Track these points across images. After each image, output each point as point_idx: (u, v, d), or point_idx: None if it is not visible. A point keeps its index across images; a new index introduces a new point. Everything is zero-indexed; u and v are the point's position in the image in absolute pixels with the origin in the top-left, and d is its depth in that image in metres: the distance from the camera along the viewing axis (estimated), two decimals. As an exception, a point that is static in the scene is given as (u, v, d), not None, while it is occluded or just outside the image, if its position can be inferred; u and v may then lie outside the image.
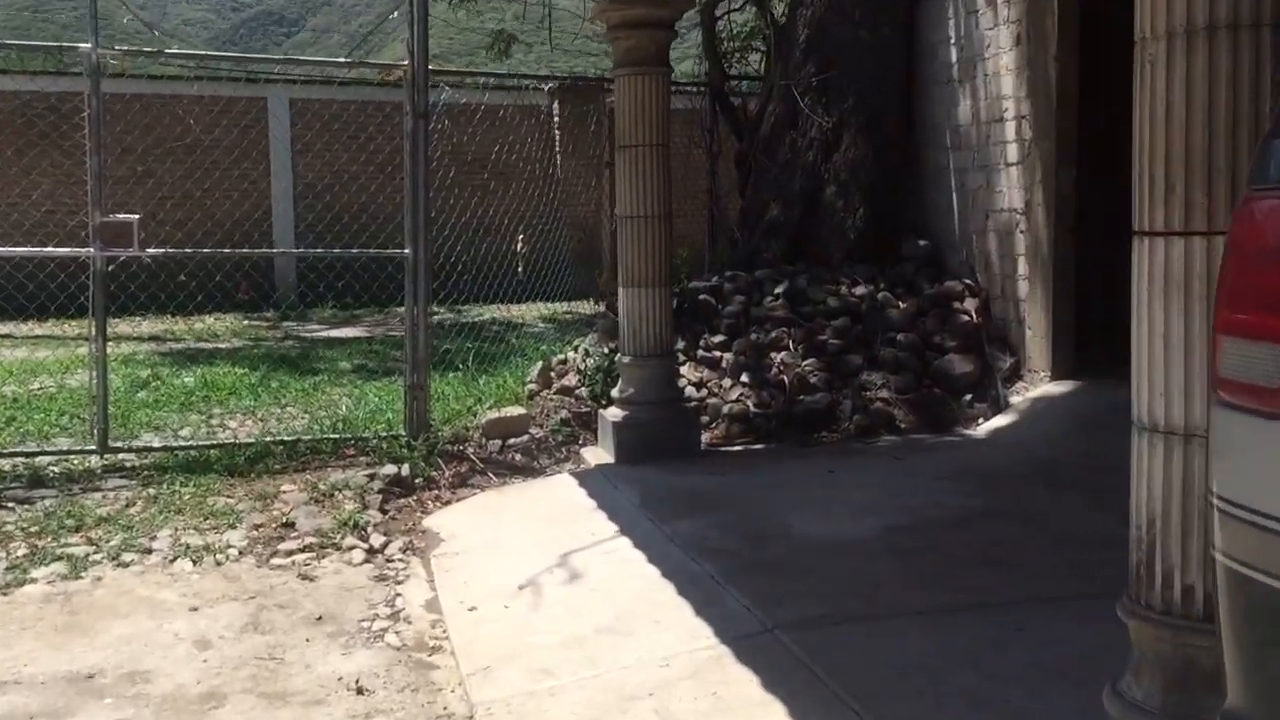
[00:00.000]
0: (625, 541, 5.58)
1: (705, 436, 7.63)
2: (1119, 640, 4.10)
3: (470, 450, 7.34)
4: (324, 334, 13.74)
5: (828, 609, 4.51)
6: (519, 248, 12.20)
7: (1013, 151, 8.42)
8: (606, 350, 8.30)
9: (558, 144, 15.60)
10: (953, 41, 9.13)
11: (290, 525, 6.05)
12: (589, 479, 6.86)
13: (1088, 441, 7.27)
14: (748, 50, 11.17)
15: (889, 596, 4.65)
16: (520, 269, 11.79)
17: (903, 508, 5.93)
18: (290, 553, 5.73)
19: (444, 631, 4.80)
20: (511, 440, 7.51)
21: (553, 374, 8.65)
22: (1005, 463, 6.95)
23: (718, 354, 8.46)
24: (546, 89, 15.94)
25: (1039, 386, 8.12)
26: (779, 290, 8.90)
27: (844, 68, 9.43)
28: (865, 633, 4.28)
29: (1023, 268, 8.35)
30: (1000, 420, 7.90)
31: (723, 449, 7.58)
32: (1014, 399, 8.13)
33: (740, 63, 11.28)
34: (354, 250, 10.02)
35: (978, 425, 7.97)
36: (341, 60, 9.74)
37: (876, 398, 8.08)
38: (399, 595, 5.23)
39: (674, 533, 5.63)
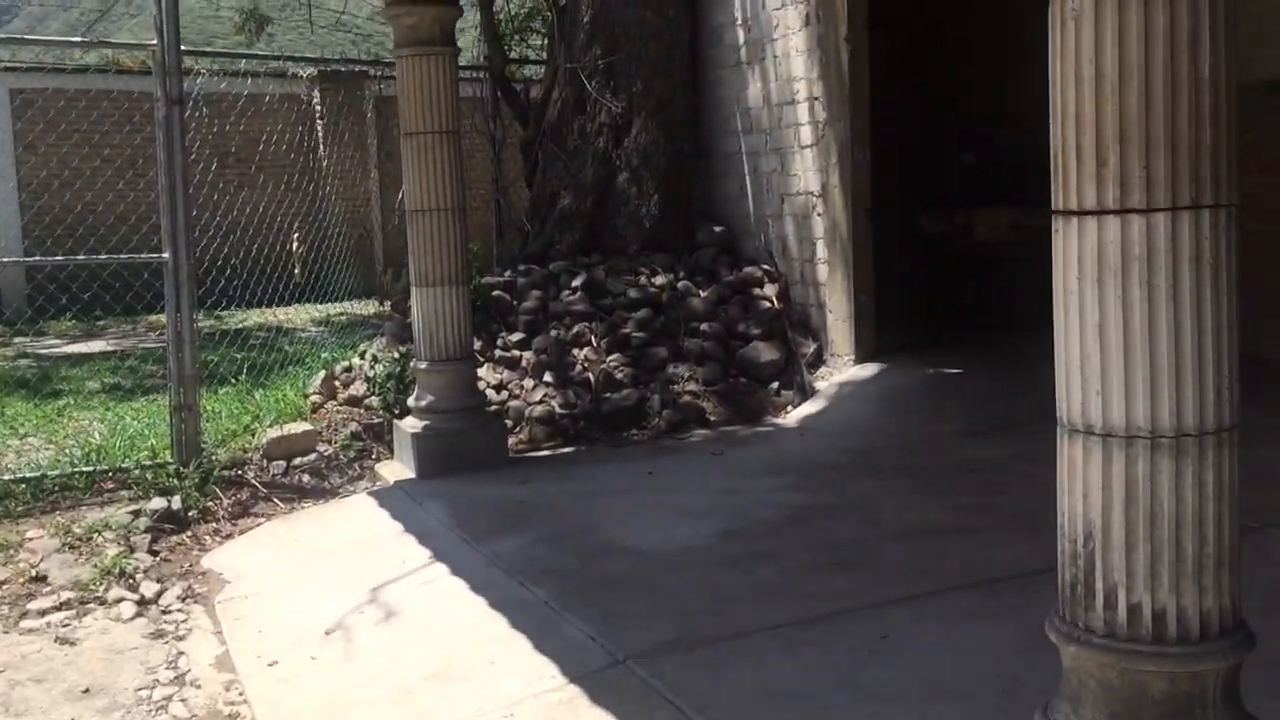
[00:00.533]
0: (442, 568, 5.04)
1: (510, 442, 7.14)
2: (990, 644, 3.91)
3: (251, 474, 6.60)
4: (65, 350, 12.38)
5: (678, 632, 4.13)
6: (294, 247, 11.31)
7: (806, 134, 8.30)
8: (397, 355, 7.67)
9: (320, 134, 14.63)
10: (740, 23, 8.94)
11: (41, 579, 5.20)
12: (390, 498, 6.26)
13: (900, 424, 7.21)
14: (528, 32, 10.68)
15: (740, 612, 4.31)
16: (297, 270, 10.91)
17: (733, 509, 5.63)
18: (43, 612, 4.91)
19: (241, 694, 4.15)
20: (297, 460, 6.80)
21: (337, 383, 7.95)
22: (824, 452, 6.78)
23: (517, 353, 7.97)
24: (305, 75, 14.91)
25: (844, 370, 8.03)
26: (577, 283, 8.48)
27: (630, 51, 9.08)
28: (723, 656, 3.92)
29: (822, 251, 8.25)
30: (809, 407, 7.76)
31: (531, 455, 7.11)
32: (820, 384, 8.02)
33: (521, 45, 10.78)
34: (101, 256, 8.93)
35: (787, 413, 7.80)
36: (76, 40, 8.65)
37: (685, 391, 7.79)
38: (182, 654, 4.52)
39: (495, 554, 5.14)
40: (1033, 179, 9.80)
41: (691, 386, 7.83)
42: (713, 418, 7.67)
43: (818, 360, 8.26)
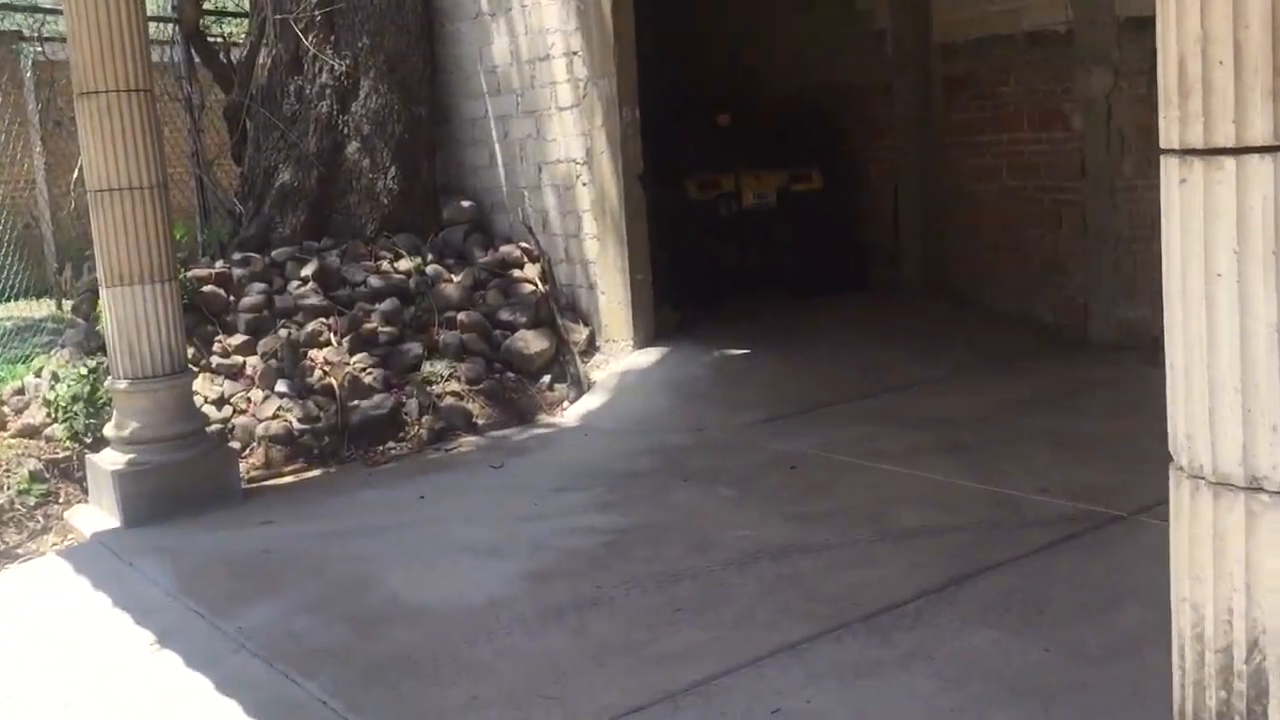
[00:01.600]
0: (172, 659, 3.81)
1: (242, 469, 5.86)
2: (907, 706, 3.15)
3: (-110, 541, 5.04)
4: None
5: (513, 732, 3.15)
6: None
7: (565, 93, 7.37)
8: (85, 370, 6.19)
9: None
10: (479, -32, 7.88)
11: None
12: (90, 558, 4.90)
13: (694, 417, 6.45)
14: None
15: (585, 691, 3.38)
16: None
17: (536, 540, 4.67)
18: None
19: None
20: (-43, 516, 5.27)
21: (6, 410, 6.36)
22: (619, 456, 5.91)
23: (240, 359, 6.64)
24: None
25: (623, 358, 7.20)
26: (307, 272, 7.21)
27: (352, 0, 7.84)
28: (581, 764, 2.98)
29: (589, 225, 7.36)
30: (589, 401, 6.88)
31: (270, 484, 5.87)
32: (597, 375, 7.15)
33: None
34: None
35: (564, 410, 6.90)
36: None
37: (446, 392, 6.73)
38: None
39: (244, 630, 3.96)
40: (795, 138, 9.40)
41: (453, 386, 6.77)
42: (481, 421, 6.65)
43: (592, 347, 7.39)
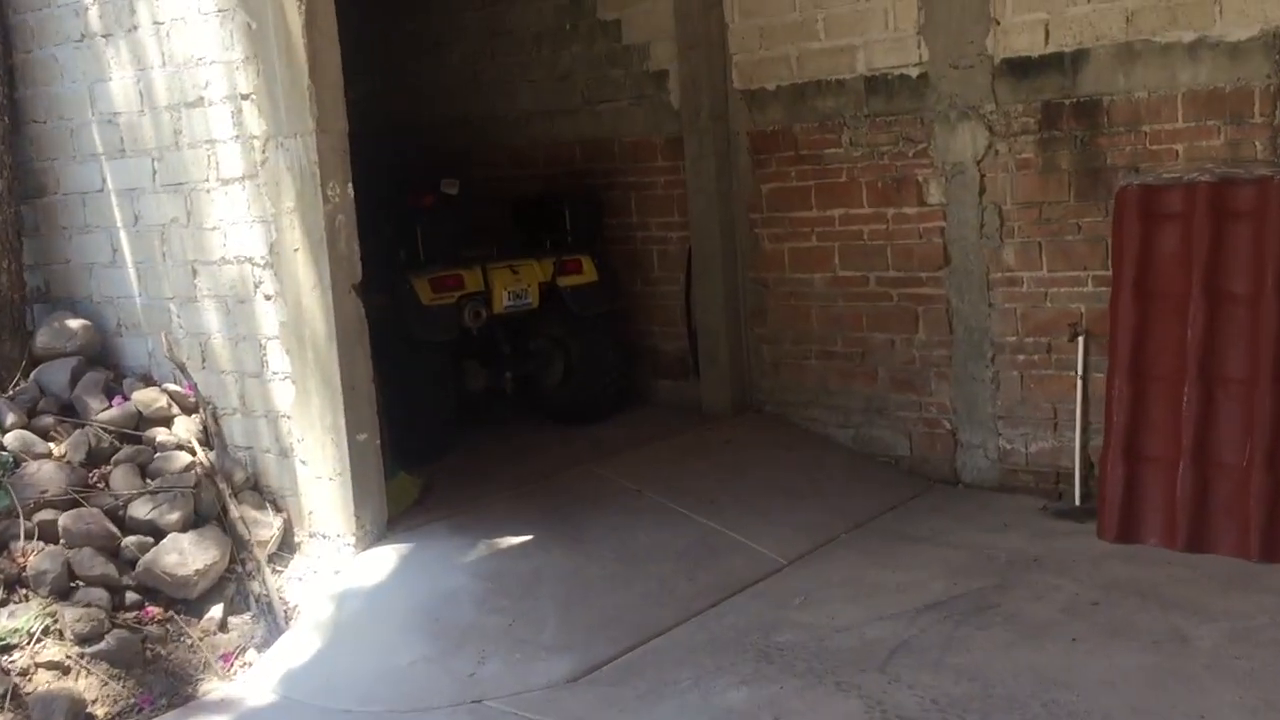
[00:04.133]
0: None
1: None
2: None
3: None
4: None
5: None
6: None
7: (232, 158, 4.78)
8: None
9: None
10: (84, -34, 5.14)
11: None
12: None
13: (464, 680, 4.04)
14: None
15: None
16: None
17: None
18: None
19: None
20: None
21: None
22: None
23: None
24: None
25: (341, 565, 4.64)
26: None
27: None
28: None
29: (278, 359, 4.78)
30: (289, 651, 4.29)
31: None
32: (300, 597, 4.57)
33: None
34: None
35: (246, 668, 4.27)
36: None
37: (38, 664, 3.95)
38: None
39: None
40: (555, 213, 6.97)
41: (52, 652, 4.00)
42: (102, 713, 3.92)
43: (289, 548, 4.79)
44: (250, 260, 4.78)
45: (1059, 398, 5.49)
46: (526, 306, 6.18)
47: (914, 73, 5.72)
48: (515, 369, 6.31)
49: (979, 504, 5.59)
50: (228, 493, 4.69)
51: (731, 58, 6.34)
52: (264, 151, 4.62)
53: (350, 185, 4.58)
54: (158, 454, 4.77)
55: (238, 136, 4.72)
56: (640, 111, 6.74)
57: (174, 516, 4.50)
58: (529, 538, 4.89)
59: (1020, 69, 5.38)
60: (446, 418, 5.83)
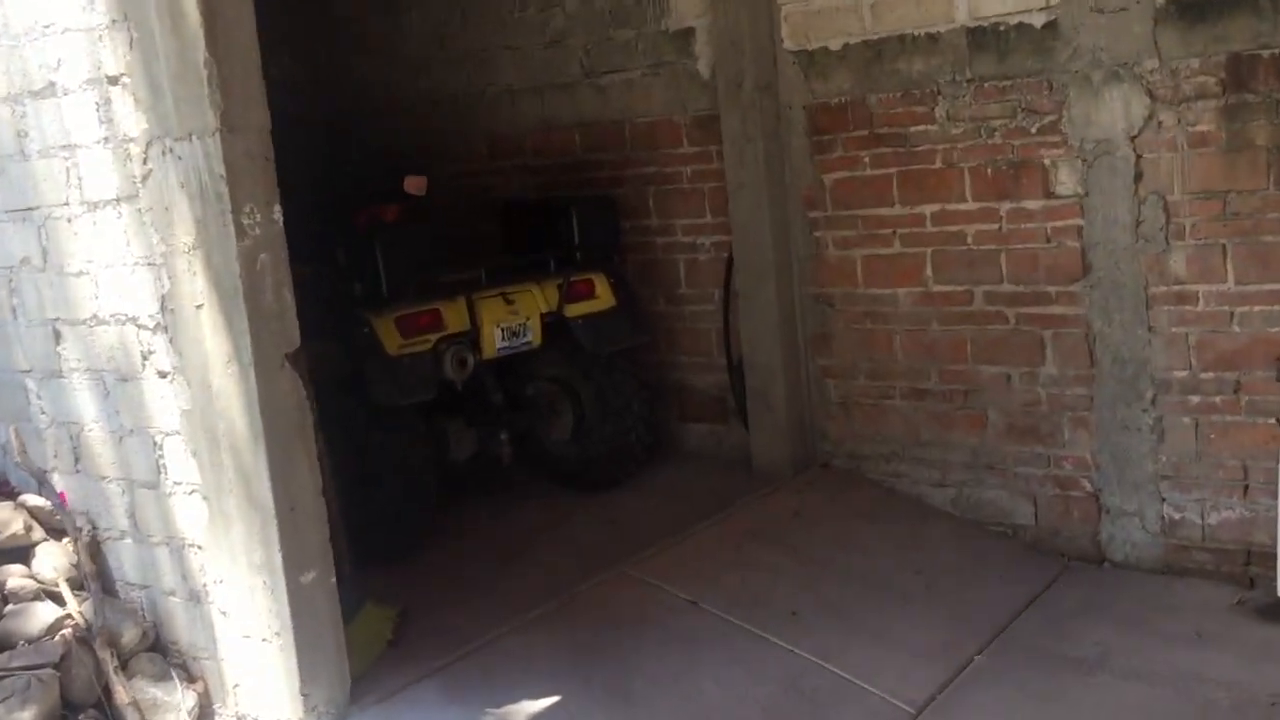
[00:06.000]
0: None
1: None
2: None
3: None
4: None
5: None
6: None
7: (101, 170, 3.24)
8: None
9: None
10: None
11: None
12: None
13: None
14: None
15: None
16: None
17: None
18: None
19: None
20: None
21: None
22: None
23: None
24: None
25: (284, 765, 3.15)
26: None
27: None
28: None
29: (181, 462, 3.27)
30: None
31: None
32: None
33: None
34: None
35: None
36: None
37: None
38: None
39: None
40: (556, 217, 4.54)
41: None
42: None
43: (208, 735, 3.29)
44: (134, 320, 3.25)
45: (1252, 453, 4.09)
46: (527, 347, 4.67)
47: (1038, 20, 4.25)
48: (513, 427, 4.81)
49: (1142, 595, 4.20)
50: (112, 665, 3.17)
51: (780, 8, 4.85)
52: (145, 161, 3.09)
53: (277, 208, 3.06)
54: (7, 608, 3.25)
55: (107, 139, 3.18)
56: (658, 83, 5.24)
57: (26, 716, 2.98)
58: (555, 700, 3.42)
59: (1195, 9, 3.94)
60: (424, 507, 4.33)
